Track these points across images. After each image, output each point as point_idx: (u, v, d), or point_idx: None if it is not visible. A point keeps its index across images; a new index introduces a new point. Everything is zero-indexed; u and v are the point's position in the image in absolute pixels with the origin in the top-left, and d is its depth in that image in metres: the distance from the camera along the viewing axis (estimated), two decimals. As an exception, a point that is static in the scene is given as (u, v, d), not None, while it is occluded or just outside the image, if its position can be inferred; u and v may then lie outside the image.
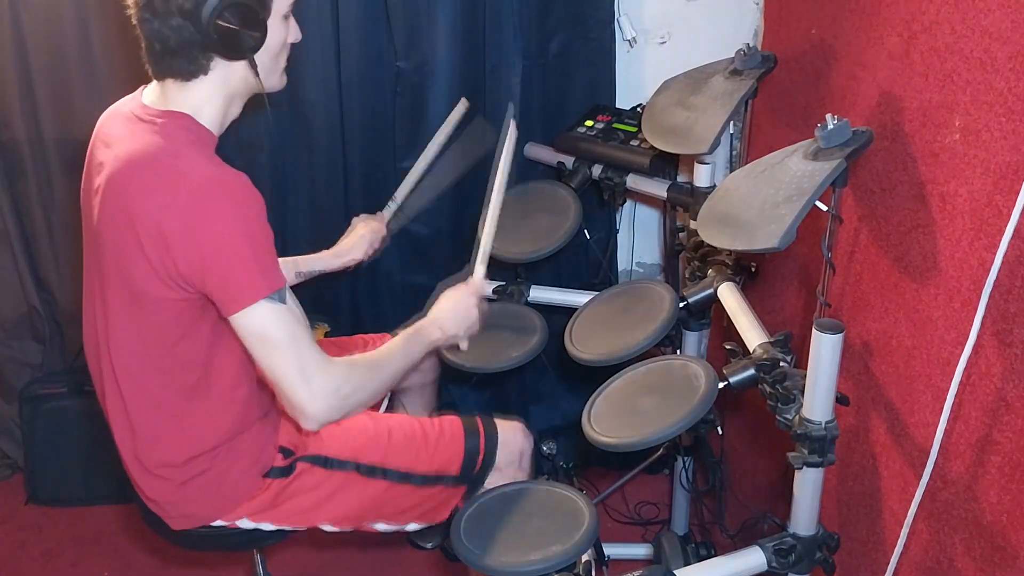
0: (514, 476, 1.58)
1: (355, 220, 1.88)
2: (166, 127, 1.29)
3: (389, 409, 1.85)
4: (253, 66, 1.31)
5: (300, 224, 2.15)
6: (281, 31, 1.34)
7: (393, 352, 1.44)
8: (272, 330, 1.25)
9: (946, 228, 1.19)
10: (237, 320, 1.25)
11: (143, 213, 1.23)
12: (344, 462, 1.49)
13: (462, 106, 1.91)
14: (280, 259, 1.72)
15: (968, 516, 1.16)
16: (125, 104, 1.38)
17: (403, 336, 1.48)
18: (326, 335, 2.14)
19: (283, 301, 1.26)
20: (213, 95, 1.32)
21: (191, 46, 1.26)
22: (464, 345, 1.61)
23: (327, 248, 1.82)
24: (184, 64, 1.28)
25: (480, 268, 1.63)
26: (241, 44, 1.27)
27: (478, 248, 1.64)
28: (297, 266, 1.75)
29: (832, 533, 1.36)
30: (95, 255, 1.34)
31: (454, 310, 1.56)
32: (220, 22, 1.24)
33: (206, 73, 1.29)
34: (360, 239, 1.83)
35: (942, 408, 1.16)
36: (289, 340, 1.26)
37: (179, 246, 1.22)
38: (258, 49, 1.30)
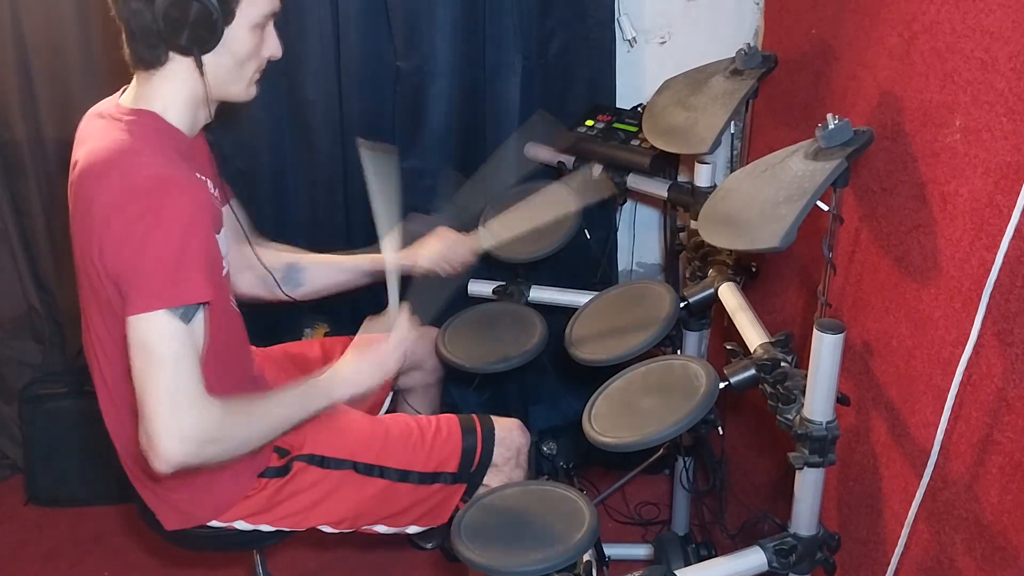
0: (512, 473, 1.58)
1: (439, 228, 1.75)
2: (133, 124, 1.28)
3: (392, 410, 1.84)
4: (199, 66, 1.28)
5: (300, 224, 2.15)
6: (249, 40, 1.31)
7: (285, 402, 1.36)
8: (158, 344, 1.17)
9: (947, 228, 1.19)
10: (131, 323, 1.18)
11: (97, 212, 1.21)
12: (341, 461, 1.49)
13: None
14: (343, 255, 1.65)
15: (969, 516, 1.16)
16: (103, 104, 1.37)
17: (303, 389, 1.39)
18: (326, 335, 2.14)
19: (187, 320, 1.19)
20: (177, 94, 1.31)
21: (148, 34, 1.25)
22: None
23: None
24: (144, 50, 1.27)
25: (400, 309, 1.50)
26: (189, 42, 1.25)
27: (390, 284, 1.53)
28: (362, 264, 1.68)
29: (833, 533, 1.36)
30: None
31: (367, 363, 1.46)
32: (171, 13, 1.23)
33: (163, 64, 1.28)
34: (436, 253, 1.72)
35: (943, 408, 1.16)
36: (171, 361, 1.18)
37: (109, 240, 1.20)
38: (207, 50, 1.27)
